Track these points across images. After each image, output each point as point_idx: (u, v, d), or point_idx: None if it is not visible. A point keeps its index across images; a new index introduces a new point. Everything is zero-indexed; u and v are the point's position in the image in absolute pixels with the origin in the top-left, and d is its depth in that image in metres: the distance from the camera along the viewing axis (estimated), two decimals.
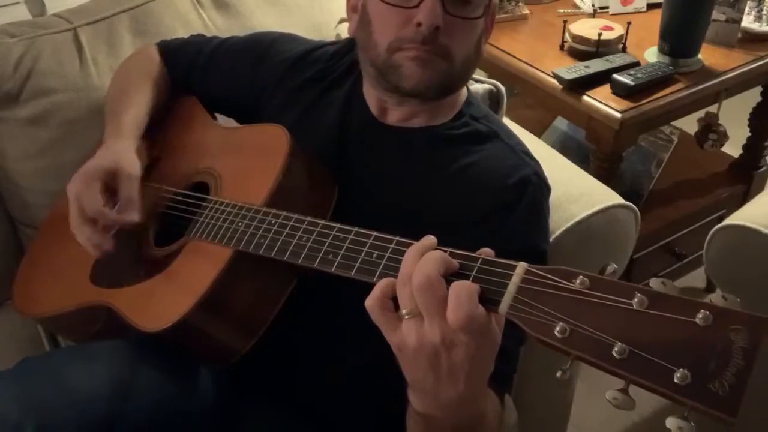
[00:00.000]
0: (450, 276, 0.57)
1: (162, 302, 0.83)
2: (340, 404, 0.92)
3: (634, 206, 1.10)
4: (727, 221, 1.09)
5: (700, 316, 0.46)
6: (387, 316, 0.58)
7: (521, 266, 0.55)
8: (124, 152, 0.94)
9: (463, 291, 0.54)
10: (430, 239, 0.60)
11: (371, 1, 0.86)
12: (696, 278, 1.91)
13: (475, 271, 0.57)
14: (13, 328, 1.20)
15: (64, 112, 1.19)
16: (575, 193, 1.09)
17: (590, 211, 1.06)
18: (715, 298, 0.47)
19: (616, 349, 0.47)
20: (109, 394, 0.77)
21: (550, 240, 1.02)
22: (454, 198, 0.88)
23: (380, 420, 0.83)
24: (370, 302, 0.58)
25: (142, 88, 1.07)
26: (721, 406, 0.43)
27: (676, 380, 0.45)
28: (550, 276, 0.53)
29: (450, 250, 0.58)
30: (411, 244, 0.61)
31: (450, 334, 0.54)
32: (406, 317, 0.56)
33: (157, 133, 1.10)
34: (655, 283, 0.49)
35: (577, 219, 1.05)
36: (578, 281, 0.52)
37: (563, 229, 1.04)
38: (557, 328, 0.50)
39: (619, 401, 0.48)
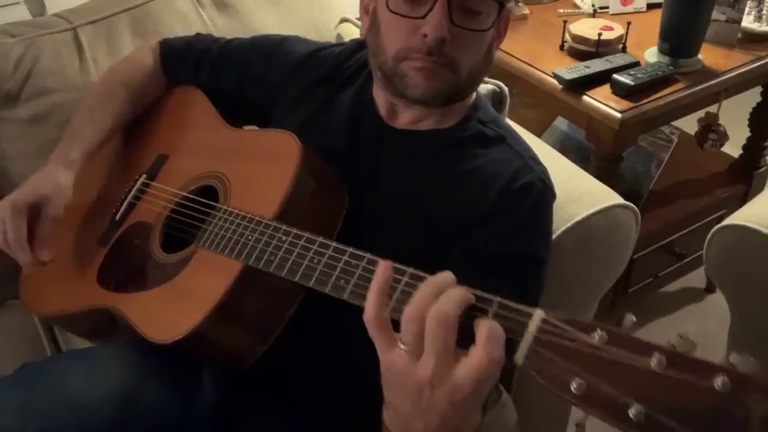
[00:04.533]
0: (468, 311, 0.56)
1: (171, 314, 0.83)
2: (340, 409, 0.92)
3: (634, 206, 1.10)
4: (727, 221, 1.09)
5: (718, 382, 0.45)
6: (384, 335, 0.56)
7: (537, 315, 0.54)
8: (59, 186, 0.96)
9: (498, 331, 0.53)
10: (447, 276, 0.58)
11: (381, 8, 0.86)
12: (696, 278, 1.91)
13: (490, 315, 0.55)
14: (13, 329, 1.20)
15: (64, 112, 1.19)
16: (575, 193, 1.09)
17: (590, 211, 1.06)
18: (733, 357, 0.46)
19: (632, 411, 0.47)
20: (111, 400, 0.77)
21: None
22: (458, 200, 0.87)
23: (378, 423, 0.83)
24: (368, 318, 0.57)
25: (110, 107, 1.07)
26: None
27: None
28: (566, 327, 0.52)
29: (466, 288, 0.57)
30: (424, 277, 0.59)
31: (441, 376, 0.53)
32: (404, 349, 0.55)
33: (167, 130, 1.09)
34: (674, 339, 0.49)
35: (577, 219, 1.05)
36: (596, 335, 0.51)
37: (563, 229, 1.04)
38: (574, 384, 0.49)
39: None
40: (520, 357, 0.53)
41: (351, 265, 0.68)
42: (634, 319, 0.52)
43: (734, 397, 0.45)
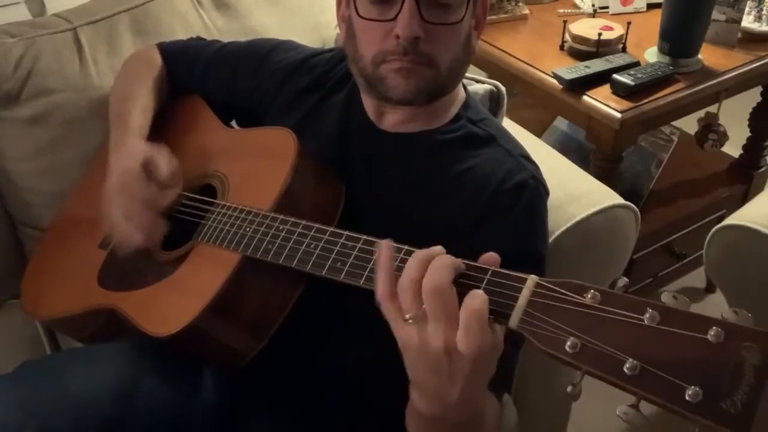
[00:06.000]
0: (460, 279, 0.57)
1: (170, 307, 0.83)
2: (340, 409, 0.92)
3: (634, 206, 1.10)
4: (727, 221, 1.09)
5: (711, 332, 0.45)
6: (396, 308, 0.58)
7: (531, 279, 0.55)
8: (141, 144, 0.96)
9: (474, 320, 0.53)
10: (438, 248, 0.60)
11: (353, 15, 0.86)
12: (696, 278, 1.91)
13: (484, 283, 0.56)
14: (13, 328, 1.20)
15: (64, 112, 1.19)
16: (575, 193, 1.09)
17: (590, 211, 1.06)
18: (727, 312, 0.47)
19: (627, 365, 0.47)
20: (111, 398, 0.77)
21: (550, 240, 1.02)
22: (451, 202, 0.88)
23: (378, 423, 0.83)
24: (381, 295, 0.58)
25: (145, 92, 1.08)
26: (733, 425, 0.43)
27: (687, 398, 0.44)
28: (560, 290, 0.52)
29: (460, 260, 0.58)
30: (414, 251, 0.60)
31: (453, 341, 0.54)
32: (410, 321, 0.56)
33: (165, 135, 1.10)
34: (666, 298, 0.49)
35: (577, 219, 1.05)
36: (589, 295, 0.51)
37: (563, 229, 1.04)
38: (568, 343, 0.50)
39: (630, 417, 0.48)
40: (514, 321, 0.54)
41: (347, 247, 0.69)
42: (627, 280, 0.53)
43: (728, 346, 0.45)
